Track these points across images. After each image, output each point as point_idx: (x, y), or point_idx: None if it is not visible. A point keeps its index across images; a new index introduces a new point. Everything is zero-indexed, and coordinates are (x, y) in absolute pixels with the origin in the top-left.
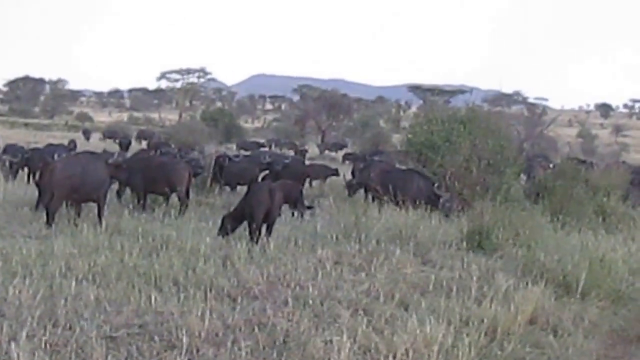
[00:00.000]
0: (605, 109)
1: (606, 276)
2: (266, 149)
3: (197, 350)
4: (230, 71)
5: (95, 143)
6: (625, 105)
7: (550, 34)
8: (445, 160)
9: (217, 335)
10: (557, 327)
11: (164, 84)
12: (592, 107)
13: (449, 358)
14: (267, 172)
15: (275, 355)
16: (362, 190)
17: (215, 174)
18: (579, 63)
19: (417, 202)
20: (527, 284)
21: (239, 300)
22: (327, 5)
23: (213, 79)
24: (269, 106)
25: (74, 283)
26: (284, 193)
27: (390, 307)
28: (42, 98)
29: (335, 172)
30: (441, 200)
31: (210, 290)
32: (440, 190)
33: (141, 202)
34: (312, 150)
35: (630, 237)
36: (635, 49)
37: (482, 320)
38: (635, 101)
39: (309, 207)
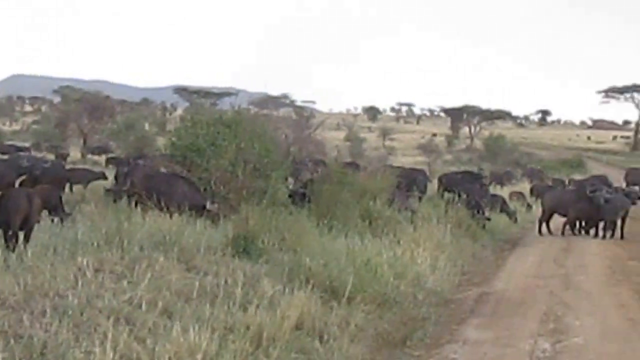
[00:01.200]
0: (372, 112)
1: (372, 280)
2: (26, 152)
3: None
4: None
5: None
6: (392, 109)
7: (318, 36)
8: (210, 164)
9: None
10: (323, 332)
11: None
12: (359, 110)
13: None
14: (25, 176)
15: None
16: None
17: None
18: (346, 66)
19: (182, 208)
20: (293, 289)
21: None
22: (88, 2)
23: None
24: (28, 108)
25: None
26: (43, 199)
27: (153, 316)
28: None
29: (102, 176)
30: (207, 208)
31: None
32: (209, 201)
33: None
34: (74, 153)
35: (396, 241)
36: (399, 52)
37: (248, 327)
38: (401, 104)
39: (68, 214)
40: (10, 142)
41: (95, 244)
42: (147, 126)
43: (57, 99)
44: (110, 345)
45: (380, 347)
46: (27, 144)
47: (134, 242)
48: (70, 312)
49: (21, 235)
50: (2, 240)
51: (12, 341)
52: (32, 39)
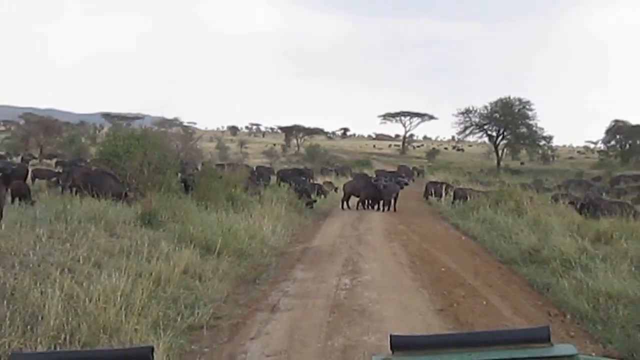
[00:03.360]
0: (233, 130)
1: (233, 240)
2: (7, 159)
3: None
4: None
5: None
6: (246, 127)
7: (197, 76)
8: (126, 165)
9: None
10: (201, 275)
11: None
12: (225, 128)
13: (129, 299)
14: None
15: (5, 303)
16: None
17: None
18: (215, 97)
19: (108, 195)
20: (181, 247)
21: None
22: (43, 43)
23: None
24: (2, 128)
25: None
26: (17, 190)
27: (88, 267)
28: None
29: (58, 175)
30: (124, 194)
31: None
32: (127, 189)
33: None
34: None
35: (249, 215)
36: (249, 85)
37: (151, 273)
38: (252, 124)
39: (34, 200)
40: None
41: (48, 219)
42: (83, 140)
43: (22, 122)
44: (58, 287)
45: (239, 284)
46: (2, 152)
47: (75, 218)
48: (31, 265)
49: None
50: None
51: None
52: (1, 81)
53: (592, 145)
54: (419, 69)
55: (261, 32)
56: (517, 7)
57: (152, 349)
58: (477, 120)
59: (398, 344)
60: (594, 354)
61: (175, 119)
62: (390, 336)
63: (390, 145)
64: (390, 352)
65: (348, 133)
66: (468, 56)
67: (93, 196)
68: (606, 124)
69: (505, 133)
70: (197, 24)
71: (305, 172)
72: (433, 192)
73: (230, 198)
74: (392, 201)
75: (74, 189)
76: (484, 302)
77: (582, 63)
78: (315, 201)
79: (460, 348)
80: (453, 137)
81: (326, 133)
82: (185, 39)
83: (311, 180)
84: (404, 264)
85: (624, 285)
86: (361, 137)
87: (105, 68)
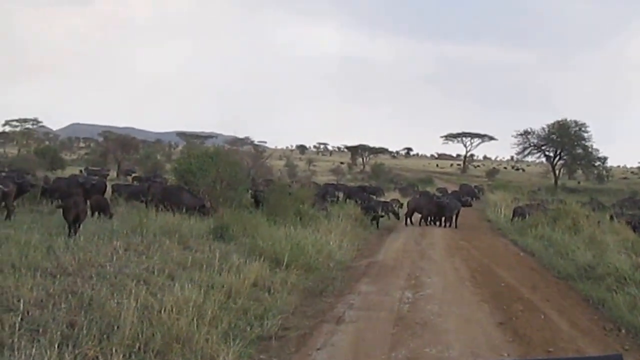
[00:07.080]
0: (302, 149)
1: (301, 254)
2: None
3: (28, 312)
4: (55, 120)
5: None
6: (314, 146)
7: (267, 97)
8: (200, 181)
9: (42, 301)
10: (270, 287)
11: (7, 129)
12: (294, 147)
13: (200, 310)
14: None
15: (82, 313)
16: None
17: (44, 191)
18: (284, 117)
19: (187, 208)
20: (251, 261)
21: (58, 276)
22: (123, 65)
23: (43, 126)
24: (82, 144)
25: None
26: (96, 203)
27: (162, 279)
28: None
29: (137, 190)
30: (198, 206)
31: (38, 270)
32: (203, 201)
33: None
34: (112, 174)
35: (316, 230)
36: (320, 110)
37: (222, 285)
38: (320, 144)
39: (112, 214)
40: (93, 168)
41: (125, 232)
42: (159, 157)
43: (101, 139)
44: (134, 298)
45: (306, 297)
46: (99, 168)
47: (150, 231)
48: (108, 277)
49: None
50: (66, 230)
51: (70, 296)
52: (85, 98)
53: None
54: (480, 92)
55: (330, 56)
56: (575, 38)
57: None
58: (535, 141)
59: None
60: None
61: (247, 138)
62: None
63: (451, 165)
64: None
65: (411, 152)
66: (527, 81)
67: (168, 210)
68: None
69: (562, 154)
70: (269, 48)
71: (368, 189)
72: (528, 213)
73: (299, 213)
74: (454, 218)
75: (151, 204)
76: (542, 316)
77: (636, 89)
78: (382, 216)
79: None
80: (512, 157)
81: (390, 152)
82: (258, 62)
83: (377, 198)
84: (465, 278)
85: None
86: (424, 157)
87: (181, 89)
